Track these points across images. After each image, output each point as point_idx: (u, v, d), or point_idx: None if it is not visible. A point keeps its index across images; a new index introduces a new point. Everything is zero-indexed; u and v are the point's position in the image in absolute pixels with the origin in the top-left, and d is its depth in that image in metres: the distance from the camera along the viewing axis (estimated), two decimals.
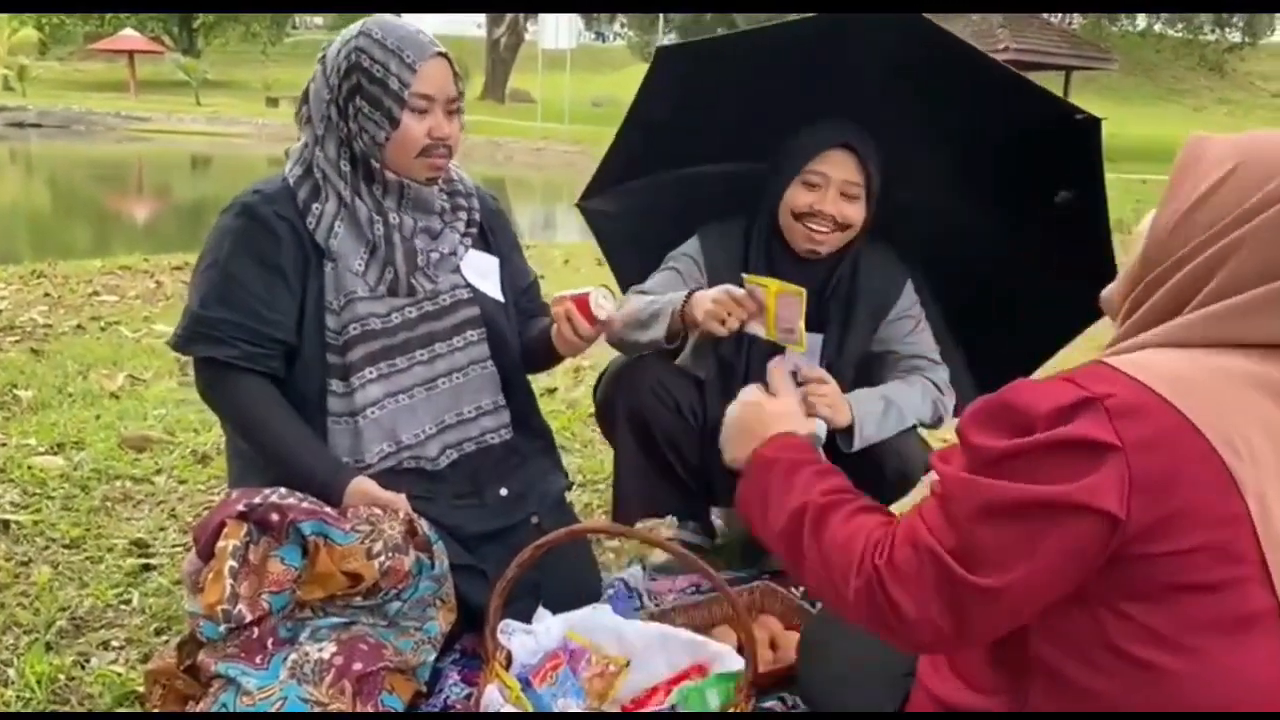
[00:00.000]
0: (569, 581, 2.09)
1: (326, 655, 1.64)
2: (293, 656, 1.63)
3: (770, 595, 2.23)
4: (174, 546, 2.44)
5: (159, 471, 2.92)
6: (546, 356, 2.17)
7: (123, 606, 2.16)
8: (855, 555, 1.15)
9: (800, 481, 1.30)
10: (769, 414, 1.44)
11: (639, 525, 2.30)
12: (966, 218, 2.40)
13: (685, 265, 2.39)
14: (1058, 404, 1.01)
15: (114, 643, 2.02)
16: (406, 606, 1.80)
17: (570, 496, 2.59)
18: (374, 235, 1.94)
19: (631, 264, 2.69)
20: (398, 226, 1.97)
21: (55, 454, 3.01)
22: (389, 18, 1.94)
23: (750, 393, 1.50)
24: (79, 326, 4.98)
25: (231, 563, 1.64)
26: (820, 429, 2.12)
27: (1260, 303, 1.03)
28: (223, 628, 1.60)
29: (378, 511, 1.77)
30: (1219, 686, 1.00)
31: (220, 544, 1.66)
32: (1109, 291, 1.24)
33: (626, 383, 2.32)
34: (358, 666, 1.64)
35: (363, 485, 1.84)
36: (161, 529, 2.56)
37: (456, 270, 2.08)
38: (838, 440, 2.20)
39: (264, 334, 1.87)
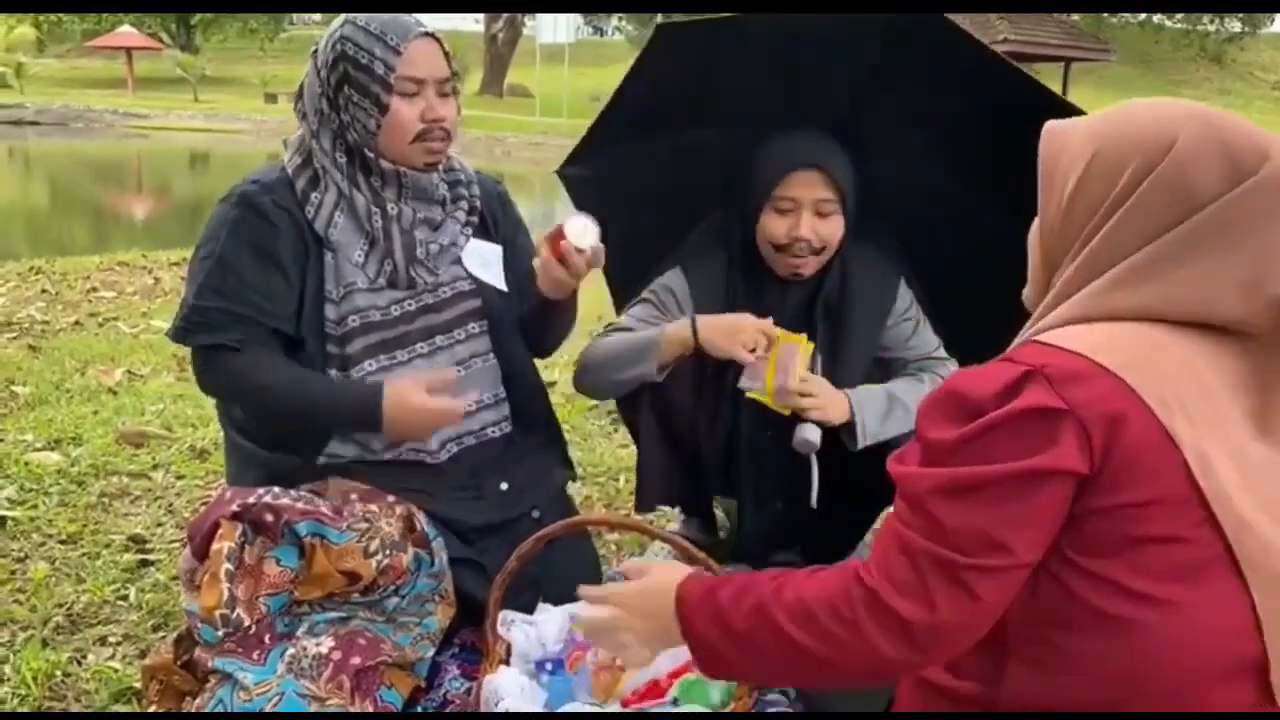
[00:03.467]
0: (570, 575, 2.04)
1: (324, 650, 1.62)
2: (290, 651, 1.61)
3: None
4: (171, 542, 2.43)
5: (156, 467, 2.91)
6: (544, 318, 2.12)
7: (120, 602, 2.14)
8: (836, 597, 1.10)
9: (735, 604, 1.18)
10: (654, 590, 1.30)
11: (652, 514, 2.27)
12: (954, 204, 2.35)
13: (666, 299, 2.31)
14: (1002, 383, 1.05)
15: (111, 639, 2.00)
16: (405, 602, 1.78)
17: (570, 489, 2.57)
18: (372, 227, 1.93)
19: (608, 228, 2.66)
20: (396, 218, 1.95)
21: (52, 449, 3.00)
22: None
23: (621, 595, 1.36)
24: (77, 323, 4.97)
25: (227, 565, 1.62)
26: (814, 435, 2.09)
27: (1143, 273, 1.09)
28: (221, 632, 1.59)
29: (374, 509, 1.76)
30: (1182, 632, 1.03)
31: (215, 546, 1.64)
32: (1027, 293, 1.28)
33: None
34: (355, 661, 1.62)
35: (402, 397, 1.82)
36: (159, 524, 2.54)
37: (457, 262, 2.06)
38: (843, 439, 2.15)
39: (262, 324, 1.85)
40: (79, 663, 1.91)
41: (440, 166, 2.01)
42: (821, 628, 1.10)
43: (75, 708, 1.77)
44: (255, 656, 1.62)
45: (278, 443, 1.94)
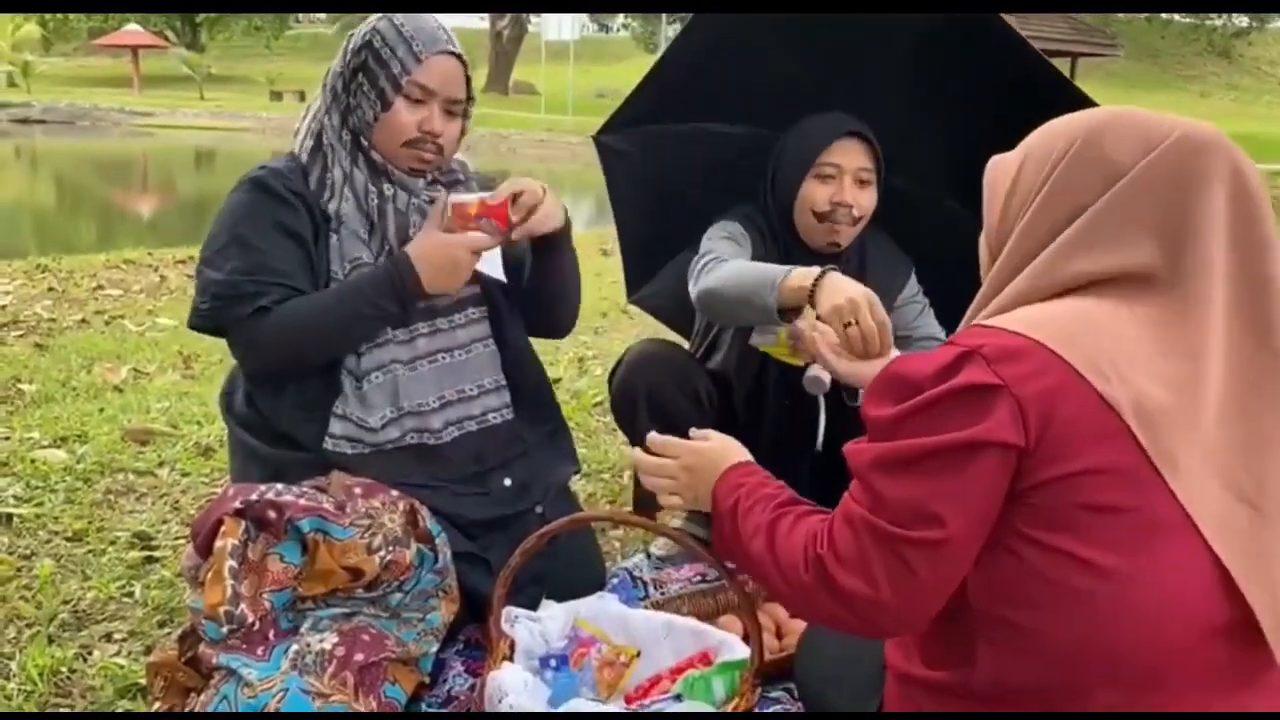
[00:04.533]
0: (573, 571, 2.07)
1: (328, 646, 1.63)
2: (294, 647, 1.61)
3: None
4: (176, 539, 2.43)
5: (162, 464, 2.91)
6: (544, 289, 2.15)
7: (125, 599, 2.15)
8: (799, 554, 1.20)
9: (753, 509, 1.32)
10: (709, 457, 1.45)
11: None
12: (962, 208, 2.37)
13: (739, 233, 2.31)
14: (941, 363, 1.10)
15: (116, 635, 2.01)
16: (408, 598, 1.78)
17: (574, 486, 2.57)
18: (369, 206, 1.96)
19: (633, 209, 2.68)
20: (392, 199, 1.98)
21: (58, 447, 3.00)
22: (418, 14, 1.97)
23: (681, 448, 1.48)
24: (83, 321, 4.98)
25: (231, 563, 1.62)
26: (825, 375, 2.07)
27: (1069, 244, 1.14)
28: (225, 629, 1.59)
29: (376, 505, 1.76)
30: (1139, 601, 1.05)
31: (218, 544, 1.64)
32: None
33: (645, 369, 2.27)
34: (359, 658, 1.62)
35: (421, 241, 1.91)
36: (164, 521, 2.55)
37: None
38: (844, 395, 2.15)
39: (290, 287, 1.89)
40: (85, 659, 1.91)
41: (428, 176, 2.03)
42: (790, 579, 1.21)
43: (81, 704, 1.77)
44: (259, 653, 1.62)
45: (279, 436, 1.95)
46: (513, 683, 1.66)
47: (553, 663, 1.76)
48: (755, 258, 2.32)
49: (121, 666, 1.88)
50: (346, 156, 1.95)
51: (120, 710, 1.77)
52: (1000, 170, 1.26)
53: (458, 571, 1.88)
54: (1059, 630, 1.08)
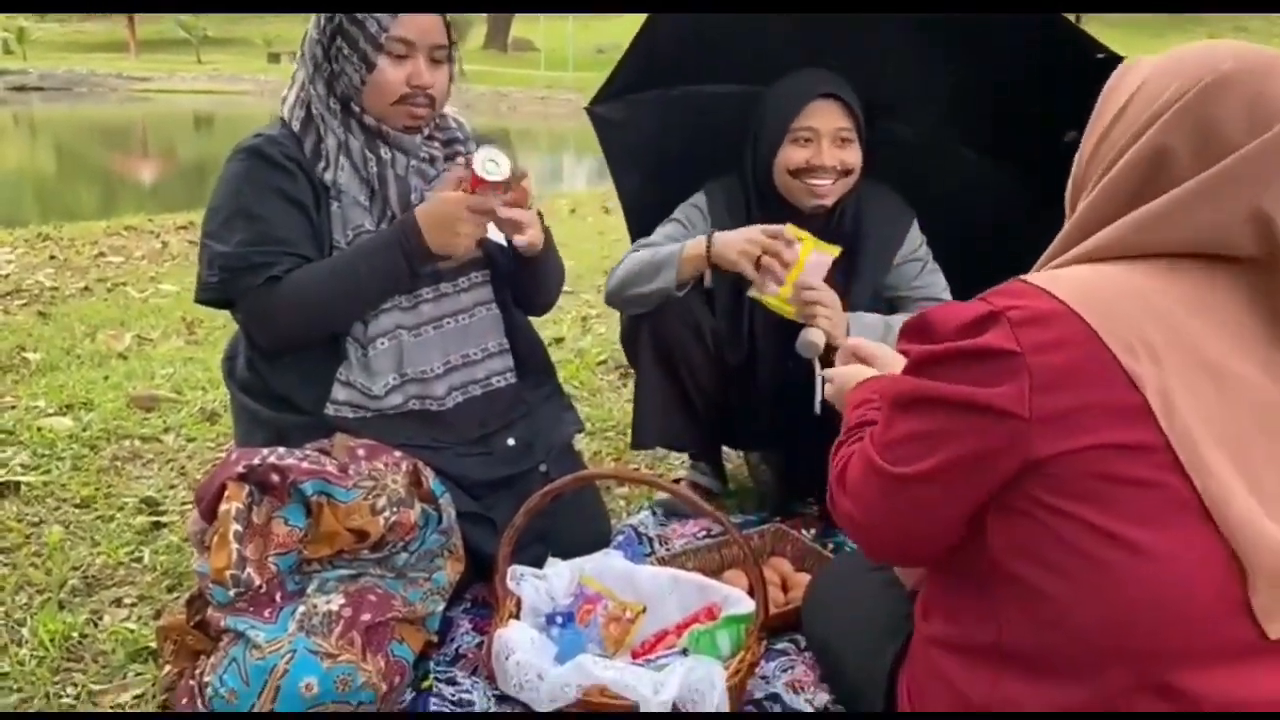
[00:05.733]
0: (578, 528, 2.08)
1: (335, 607, 1.63)
2: (301, 609, 1.62)
3: (781, 538, 2.21)
4: (184, 504, 2.44)
5: (167, 430, 2.92)
6: (526, 273, 2.11)
7: (134, 564, 2.16)
8: (834, 462, 1.32)
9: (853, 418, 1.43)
10: (848, 374, 1.59)
11: (656, 460, 2.27)
12: (969, 157, 2.35)
13: (691, 216, 2.35)
14: (968, 318, 1.10)
15: (126, 600, 2.02)
16: (414, 558, 1.79)
17: (579, 444, 2.57)
18: (368, 173, 1.94)
19: (632, 177, 2.67)
20: (390, 163, 1.96)
21: (64, 415, 3.01)
22: None
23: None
24: (85, 289, 4.98)
25: (236, 526, 1.62)
26: (818, 338, 2.08)
27: (1154, 216, 1.09)
28: (232, 593, 1.60)
29: (380, 466, 1.76)
30: (1166, 576, 1.04)
31: (223, 508, 1.64)
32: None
33: (655, 321, 2.27)
34: (366, 617, 1.63)
35: (427, 204, 1.90)
36: (171, 486, 2.56)
37: None
38: (835, 360, 2.15)
39: (298, 255, 1.88)
40: (95, 624, 1.93)
41: (424, 130, 2.00)
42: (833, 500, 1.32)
43: (93, 668, 1.79)
44: (267, 615, 1.63)
45: (280, 399, 1.95)
46: (519, 640, 1.67)
47: (559, 620, 1.77)
48: (741, 200, 2.34)
49: (132, 630, 1.89)
50: (339, 125, 1.93)
51: (133, 672, 1.78)
52: (1119, 84, 1.20)
53: (463, 531, 1.88)
54: (1081, 599, 1.07)
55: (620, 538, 2.21)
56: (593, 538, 2.14)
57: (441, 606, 1.80)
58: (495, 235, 2.08)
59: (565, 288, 5.05)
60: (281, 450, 1.72)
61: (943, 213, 2.38)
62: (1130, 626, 1.06)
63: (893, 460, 1.17)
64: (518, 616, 1.78)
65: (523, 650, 1.64)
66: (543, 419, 2.15)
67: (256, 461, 1.69)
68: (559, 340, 3.98)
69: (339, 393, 1.93)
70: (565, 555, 1.97)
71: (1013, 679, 1.15)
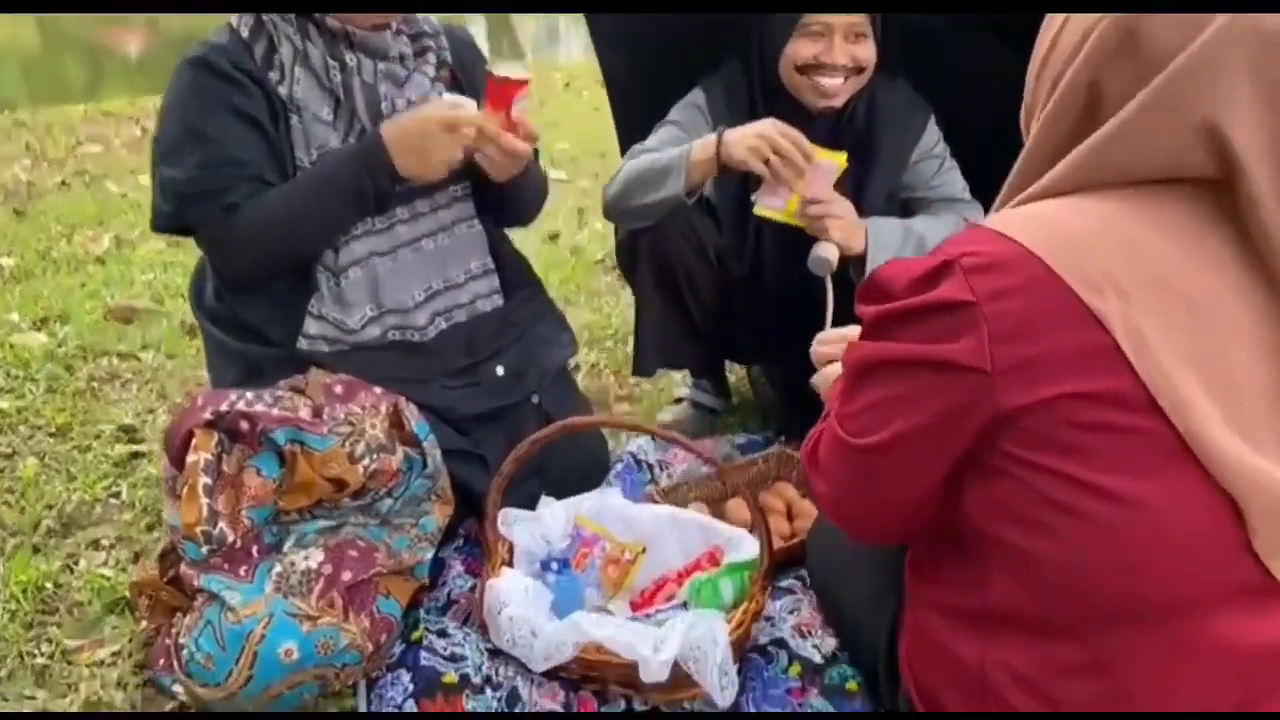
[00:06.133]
0: (575, 460, 1.98)
1: (314, 564, 1.54)
2: (278, 569, 1.53)
3: (786, 461, 2.11)
4: (162, 430, 2.33)
5: (146, 346, 2.80)
6: (505, 190, 1.94)
7: (112, 500, 2.07)
8: (809, 437, 1.24)
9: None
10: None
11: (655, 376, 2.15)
12: (992, 53, 2.15)
13: (690, 117, 2.16)
14: (919, 271, 1.03)
15: (104, 541, 1.94)
16: (399, 504, 1.69)
17: (578, 356, 2.45)
18: (332, 83, 1.77)
19: (618, 59, 2.47)
20: (356, 70, 1.78)
21: (39, 330, 2.89)
22: None
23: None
24: (63, 183, 4.80)
25: (205, 480, 1.51)
26: (831, 254, 1.95)
27: (1101, 145, 1.03)
28: (205, 549, 1.50)
29: (357, 410, 1.64)
30: (1158, 523, 0.98)
31: (190, 458, 1.53)
32: None
33: (655, 235, 2.11)
34: (347, 576, 1.54)
35: (397, 120, 1.74)
36: (150, 411, 2.45)
37: None
38: (850, 271, 2.02)
39: (256, 178, 1.73)
40: (70, 570, 1.84)
41: (393, 26, 1.81)
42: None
43: (68, 621, 1.71)
44: (242, 572, 1.53)
45: (250, 331, 1.82)
46: (512, 591, 1.59)
47: (554, 566, 1.68)
48: (745, 96, 2.15)
49: (108, 578, 1.81)
50: (295, 31, 1.74)
51: (109, 626, 1.70)
52: (1051, 20, 1.13)
53: (451, 469, 1.77)
54: (1071, 557, 1.02)
55: (619, 465, 2.12)
56: (591, 469, 2.05)
57: (430, 554, 1.70)
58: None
59: (560, 175, 4.91)
60: (249, 395, 1.60)
61: (959, 107, 2.20)
62: (1128, 580, 1.00)
63: (855, 432, 1.11)
64: (510, 563, 1.70)
65: (516, 604, 1.56)
66: (533, 342, 2.02)
67: (224, 408, 1.57)
68: (554, 236, 3.82)
69: (311, 326, 1.80)
70: (562, 488, 1.88)
71: (1008, 643, 1.10)
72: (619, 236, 2.20)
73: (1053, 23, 1.12)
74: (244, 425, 1.57)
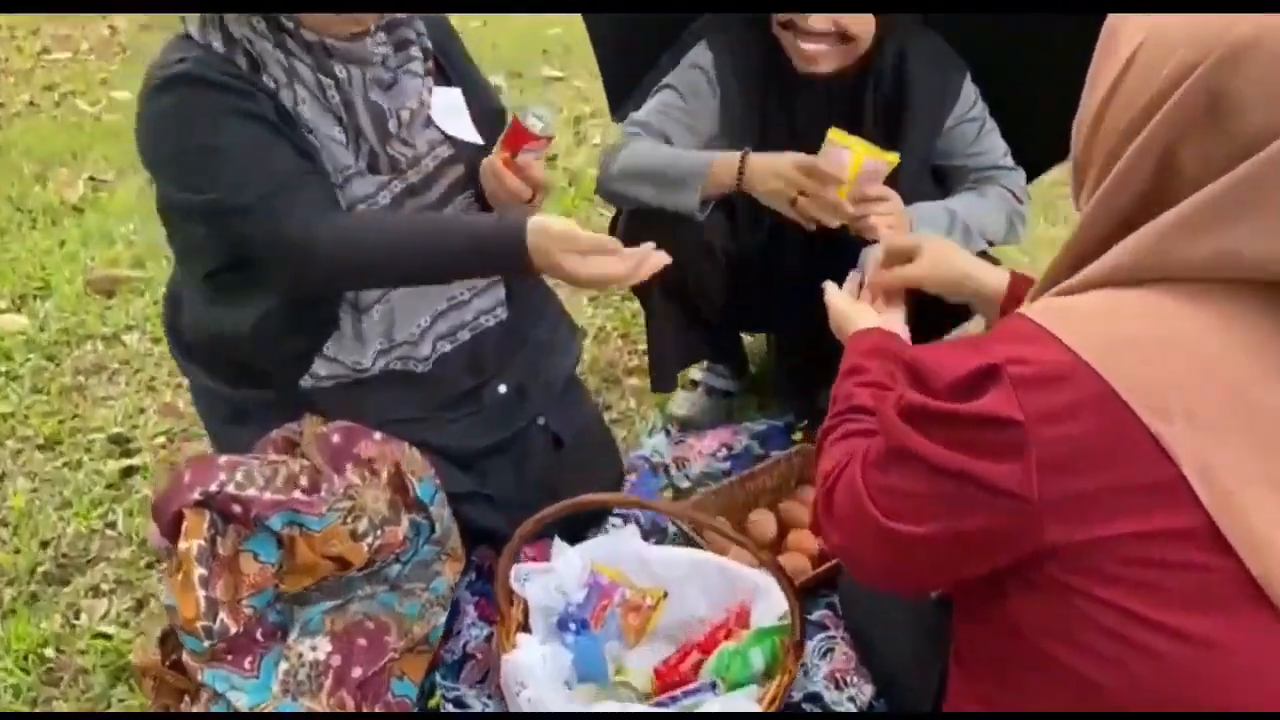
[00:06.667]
0: (588, 483, 1.88)
1: (321, 656, 1.47)
2: (284, 665, 1.45)
3: (808, 460, 2.01)
4: (154, 437, 2.24)
5: (130, 327, 2.67)
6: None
7: (108, 531, 1.99)
8: (823, 475, 1.12)
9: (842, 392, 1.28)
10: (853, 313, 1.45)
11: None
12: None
13: (691, 81, 1.96)
14: (958, 373, 0.92)
15: (104, 586, 1.86)
16: (407, 569, 1.60)
17: (583, 320, 2.31)
18: (331, 102, 1.58)
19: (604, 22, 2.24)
20: (348, 82, 1.59)
21: (18, 310, 2.76)
22: None
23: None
24: (31, 103, 4.56)
25: (200, 570, 1.42)
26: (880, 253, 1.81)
27: (1172, 232, 0.88)
28: (206, 644, 1.42)
29: (356, 481, 1.54)
30: (1222, 668, 0.88)
31: (182, 545, 1.43)
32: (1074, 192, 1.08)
33: (657, 232, 1.95)
34: (358, 672, 1.47)
35: (546, 238, 1.48)
36: (140, 411, 2.35)
37: (429, 124, 1.72)
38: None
39: (304, 182, 1.54)
40: (71, 625, 1.78)
41: (371, 29, 1.62)
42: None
43: (73, 694, 1.65)
44: (247, 665, 1.46)
45: (242, 372, 1.70)
46: (531, 667, 1.50)
47: (572, 626, 1.60)
48: (749, 75, 1.94)
49: (110, 638, 1.74)
50: (273, 45, 1.53)
51: (116, 699, 1.65)
52: (1106, 60, 0.96)
53: (458, 511, 1.68)
54: (1126, 684, 0.92)
55: (633, 478, 2.02)
56: (604, 480, 1.95)
57: (443, 617, 1.63)
58: (467, 133, 1.75)
59: (554, 72, 4.63)
60: (240, 473, 1.48)
61: (994, 62, 1.99)
62: (1194, 711, 0.90)
63: (886, 511, 0.99)
64: (526, 625, 1.62)
65: (535, 682, 1.48)
66: (536, 351, 1.88)
67: (213, 489, 1.47)
68: (550, 159, 3.62)
69: (320, 367, 1.68)
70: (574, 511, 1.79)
71: None
72: (622, 231, 2.03)
73: (1110, 56, 0.95)
74: (236, 508, 1.47)
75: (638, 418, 2.28)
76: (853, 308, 1.46)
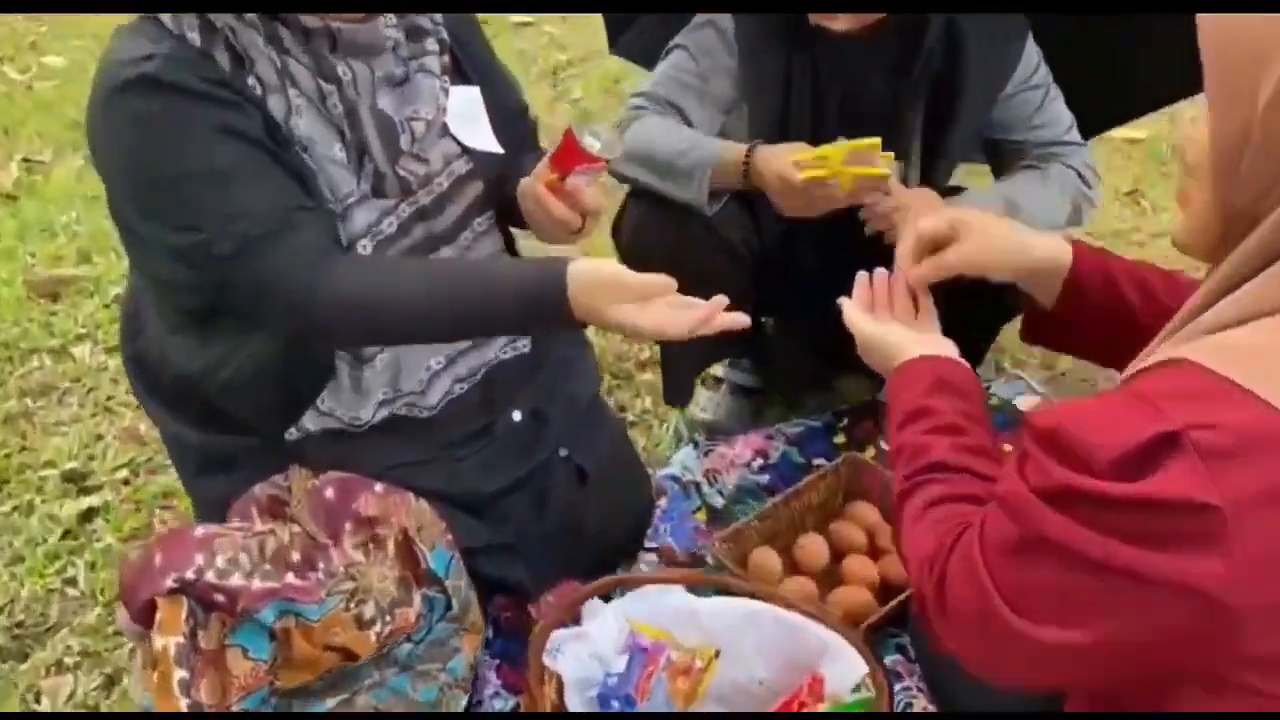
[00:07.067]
0: (615, 519, 1.67)
1: None
2: None
3: (856, 470, 1.80)
4: (114, 471, 1.99)
5: (81, 336, 2.40)
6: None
7: (68, 590, 1.75)
8: (924, 559, 0.93)
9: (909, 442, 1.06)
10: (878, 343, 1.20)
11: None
12: None
13: (709, 45, 1.72)
14: (1126, 446, 0.73)
15: (67, 660, 1.63)
16: (420, 648, 1.38)
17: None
18: (333, 113, 1.31)
19: None
20: (352, 84, 1.32)
21: None
22: None
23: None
24: None
25: (181, 674, 1.20)
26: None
27: None
28: None
29: (359, 559, 1.30)
30: None
31: (158, 642, 1.21)
32: (1182, 234, 0.88)
33: (670, 236, 1.70)
34: None
35: (590, 292, 1.22)
36: (97, 438, 2.09)
37: (445, 133, 1.46)
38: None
39: (304, 217, 1.28)
40: (32, 710, 1.55)
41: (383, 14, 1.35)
42: (909, 554, 0.99)
43: None
44: None
45: (220, 420, 1.45)
46: None
47: (615, 704, 1.39)
48: (770, 31, 1.70)
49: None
50: (264, 40, 1.25)
51: None
52: (1250, 60, 0.75)
53: (475, 566, 1.47)
54: None
55: (662, 502, 1.80)
56: (633, 511, 1.75)
57: (464, 702, 1.42)
58: (486, 143, 1.50)
59: (523, 18, 4.32)
60: (221, 559, 1.25)
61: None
62: None
63: (1025, 611, 0.81)
64: (560, 699, 1.41)
65: None
66: (555, 370, 1.64)
67: (190, 575, 1.24)
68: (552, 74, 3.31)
69: (310, 420, 1.44)
70: (602, 549, 1.59)
71: None
72: (624, 249, 1.79)
73: (1265, 64, 0.74)
74: (219, 598, 1.24)
75: (656, 420, 2.06)
76: (883, 331, 1.20)
